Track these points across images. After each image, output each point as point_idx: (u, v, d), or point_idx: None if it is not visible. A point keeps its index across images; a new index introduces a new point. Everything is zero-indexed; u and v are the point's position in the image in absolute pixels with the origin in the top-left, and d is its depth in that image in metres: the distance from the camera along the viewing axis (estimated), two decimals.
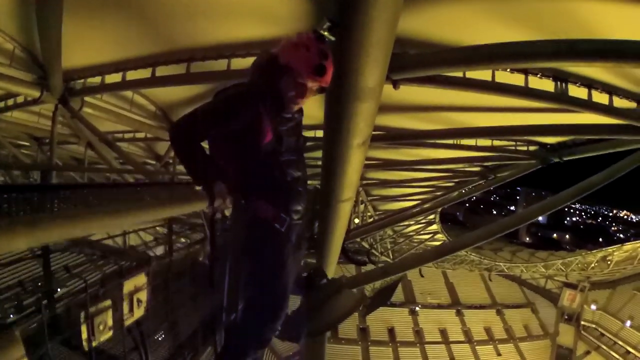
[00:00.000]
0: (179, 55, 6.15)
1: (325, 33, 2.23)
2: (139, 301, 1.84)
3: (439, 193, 15.48)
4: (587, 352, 35.21)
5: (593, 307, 36.11)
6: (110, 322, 1.68)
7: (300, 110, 2.64)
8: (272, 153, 2.43)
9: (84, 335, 1.56)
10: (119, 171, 8.74)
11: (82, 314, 1.55)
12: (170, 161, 11.72)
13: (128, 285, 1.77)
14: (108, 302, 1.66)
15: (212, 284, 2.74)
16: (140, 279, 1.86)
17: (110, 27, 5.78)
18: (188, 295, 2.48)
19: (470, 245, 8.32)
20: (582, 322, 36.13)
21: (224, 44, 5.66)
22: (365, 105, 2.62)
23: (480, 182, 12.79)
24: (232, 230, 2.91)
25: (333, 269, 6.43)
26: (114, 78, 7.15)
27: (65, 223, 1.50)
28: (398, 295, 36.16)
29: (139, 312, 1.85)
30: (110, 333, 1.67)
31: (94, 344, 1.58)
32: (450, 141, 9.17)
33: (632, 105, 5.40)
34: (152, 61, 6.48)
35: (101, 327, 1.64)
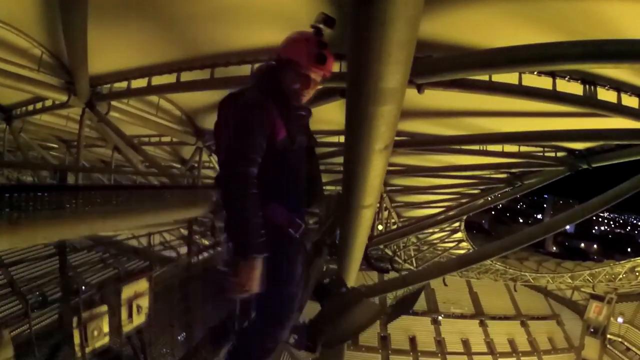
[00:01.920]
0: (203, 62, 6.23)
1: (321, 26, 2.29)
2: (139, 307, 1.81)
3: (464, 200, 15.27)
4: None
5: (620, 320, 34.94)
6: (105, 329, 1.66)
7: (309, 110, 2.62)
8: (284, 152, 2.39)
9: (76, 341, 1.55)
10: (143, 174, 8.85)
11: (75, 319, 1.53)
12: (195, 165, 11.85)
13: (127, 291, 1.74)
14: (104, 308, 1.64)
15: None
16: (142, 285, 1.83)
17: (136, 35, 5.90)
18: (199, 300, 2.43)
19: (495, 255, 8.17)
20: (608, 336, 35.00)
21: (246, 50, 5.70)
22: (387, 108, 2.53)
23: (507, 189, 12.56)
24: None
25: (354, 276, 6.36)
26: (139, 83, 7.27)
27: (50, 224, 1.50)
28: (420, 303, 35.67)
29: (138, 319, 1.82)
30: (106, 339, 1.64)
31: (87, 350, 1.57)
32: (476, 147, 9.03)
33: None
34: (176, 67, 6.58)
35: (95, 333, 1.63)
